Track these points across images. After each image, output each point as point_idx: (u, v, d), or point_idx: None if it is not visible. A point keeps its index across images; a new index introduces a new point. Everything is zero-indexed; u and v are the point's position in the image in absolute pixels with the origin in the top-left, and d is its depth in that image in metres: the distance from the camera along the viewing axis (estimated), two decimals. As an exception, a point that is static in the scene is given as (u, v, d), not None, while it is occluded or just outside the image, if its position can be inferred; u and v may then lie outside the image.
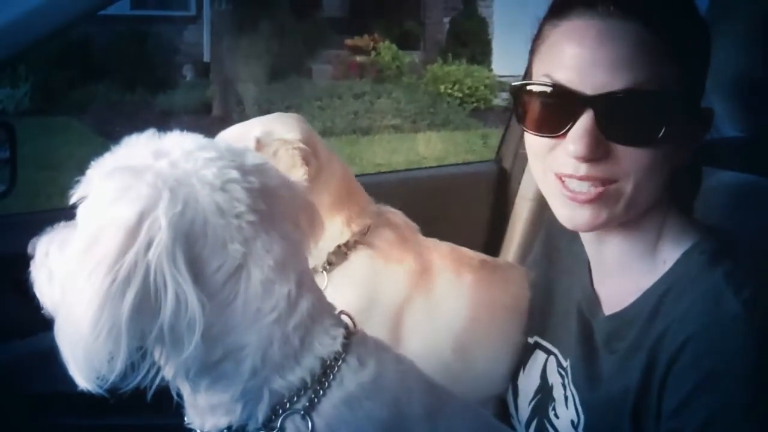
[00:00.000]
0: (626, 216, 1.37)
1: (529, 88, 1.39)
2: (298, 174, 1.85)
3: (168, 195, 1.16)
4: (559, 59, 1.33)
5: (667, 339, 1.30)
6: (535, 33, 1.43)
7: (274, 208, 1.27)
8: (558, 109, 1.33)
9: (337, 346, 1.29)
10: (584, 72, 1.29)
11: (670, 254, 1.41)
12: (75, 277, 1.13)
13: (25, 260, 1.28)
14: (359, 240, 1.94)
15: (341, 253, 1.92)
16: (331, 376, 1.26)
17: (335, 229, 1.93)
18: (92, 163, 1.26)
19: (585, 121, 1.29)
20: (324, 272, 1.91)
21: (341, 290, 1.86)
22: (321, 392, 1.25)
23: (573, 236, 1.57)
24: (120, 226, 1.12)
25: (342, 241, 1.93)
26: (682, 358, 1.26)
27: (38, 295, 1.26)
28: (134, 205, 1.14)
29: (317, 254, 1.90)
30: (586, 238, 1.52)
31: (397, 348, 1.81)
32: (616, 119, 1.28)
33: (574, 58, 1.31)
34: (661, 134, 1.28)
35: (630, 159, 1.30)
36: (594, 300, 1.53)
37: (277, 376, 1.23)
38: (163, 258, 1.12)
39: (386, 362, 1.36)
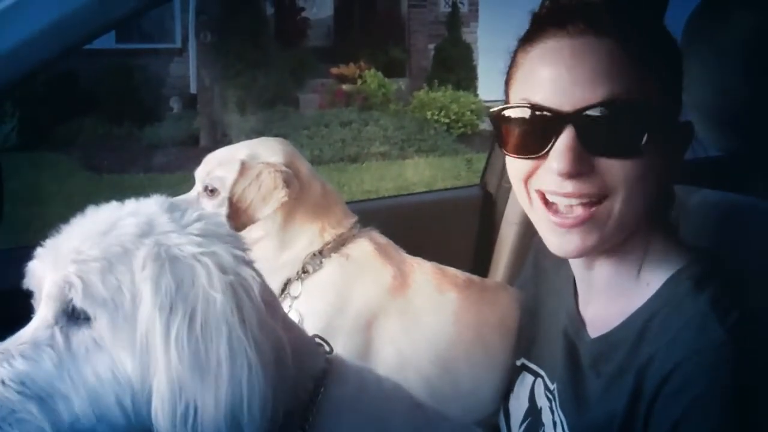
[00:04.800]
0: (616, 237, 1.38)
1: (508, 112, 1.41)
2: (279, 195, 1.92)
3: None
4: (536, 82, 1.35)
5: (655, 365, 1.30)
6: (509, 63, 1.45)
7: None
8: (538, 129, 1.34)
9: (323, 363, 1.34)
10: (561, 91, 1.31)
11: (653, 277, 1.41)
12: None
13: (13, 295, 1.27)
14: (335, 249, 1.99)
15: (316, 261, 1.98)
16: (319, 395, 1.29)
17: (307, 239, 2.01)
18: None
19: (566, 137, 1.30)
20: (299, 280, 1.95)
21: (312, 297, 1.92)
22: (313, 409, 1.28)
23: (560, 259, 1.58)
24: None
25: (314, 249, 2.00)
26: (670, 384, 1.26)
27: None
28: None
29: (292, 263, 1.96)
30: (575, 261, 1.53)
31: (366, 356, 1.85)
32: (597, 133, 1.30)
33: (550, 79, 1.33)
34: (643, 143, 1.30)
35: (615, 172, 1.31)
36: (579, 322, 1.54)
37: (282, 399, 1.23)
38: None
39: (367, 381, 1.40)
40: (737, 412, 1.23)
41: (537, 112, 1.34)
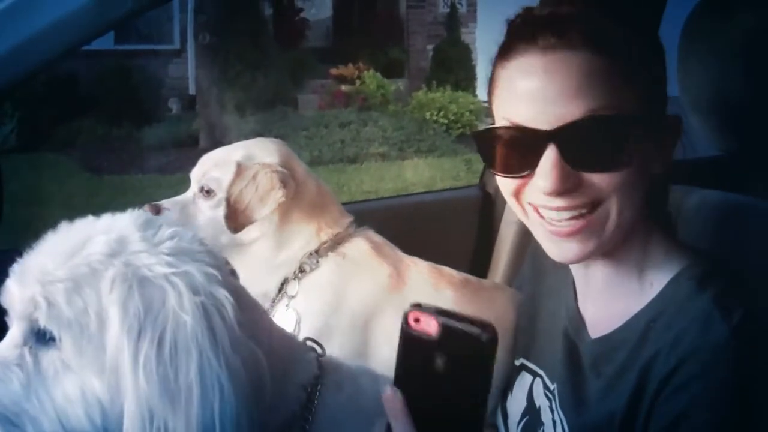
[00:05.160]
0: (615, 240, 1.37)
1: (489, 132, 1.40)
2: (276, 195, 1.92)
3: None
4: (513, 99, 1.34)
5: (657, 364, 1.30)
6: (489, 75, 1.43)
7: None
8: (521, 148, 1.33)
9: (314, 370, 1.32)
10: (538, 108, 1.29)
11: (657, 277, 1.41)
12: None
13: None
14: (331, 249, 2.00)
15: (313, 261, 1.98)
16: (315, 401, 1.28)
17: (304, 239, 2.01)
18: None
19: (549, 156, 1.29)
20: (296, 280, 1.96)
21: (309, 297, 1.92)
22: (309, 418, 1.26)
23: (559, 259, 1.58)
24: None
25: (310, 249, 2.00)
26: (672, 381, 1.26)
27: None
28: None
29: (289, 263, 1.95)
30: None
31: (363, 355, 1.85)
32: (580, 148, 1.28)
33: (525, 96, 1.31)
34: (625, 156, 1.29)
35: (604, 184, 1.30)
36: (579, 322, 1.54)
37: (270, 415, 1.22)
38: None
39: (363, 383, 1.38)
40: (740, 409, 1.23)
41: (518, 132, 1.33)
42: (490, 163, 1.41)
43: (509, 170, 1.37)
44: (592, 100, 1.27)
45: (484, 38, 14.64)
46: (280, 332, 1.36)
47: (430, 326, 1.02)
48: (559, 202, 1.32)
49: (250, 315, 1.25)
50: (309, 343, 1.40)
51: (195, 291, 1.14)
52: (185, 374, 1.09)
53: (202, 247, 1.24)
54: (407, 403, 1.06)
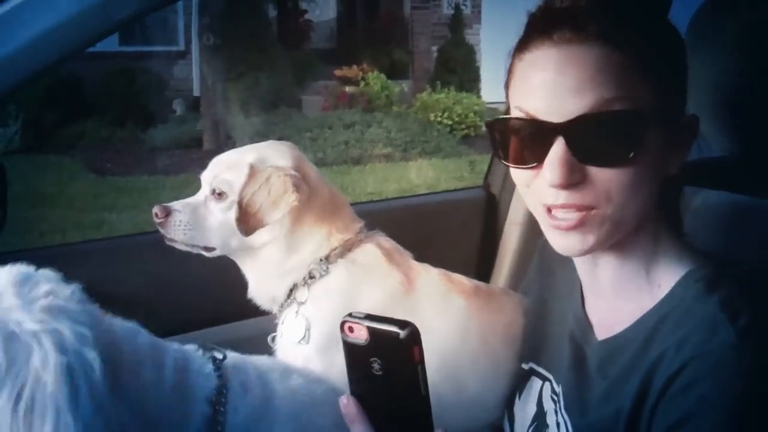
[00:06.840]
0: (615, 236, 1.37)
1: (502, 122, 1.41)
2: (289, 199, 1.91)
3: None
4: (526, 90, 1.34)
5: (663, 365, 1.29)
6: (507, 68, 1.43)
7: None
8: (531, 140, 1.34)
9: (214, 380, 1.32)
10: (549, 100, 1.29)
11: (665, 278, 1.40)
12: None
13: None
14: (341, 255, 1.99)
15: (322, 267, 1.98)
16: (223, 409, 1.28)
17: (315, 243, 2.00)
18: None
19: (557, 148, 1.29)
20: (305, 286, 1.96)
21: (319, 303, 1.91)
22: (219, 429, 1.27)
23: (565, 260, 1.57)
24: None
25: (321, 254, 1.99)
26: (677, 382, 1.26)
27: None
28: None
29: (299, 268, 1.94)
30: (579, 260, 1.52)
31: None
32: (588, 142, 1.28)
33: (538, 88, 1.31)
34: (633, 152, 1.28)
35: (607, 181, 1.30)
36: (586, 325, 1.53)
37: None
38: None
39: (271, 383, 1.39)
40: (743, 414, 1.23)
41: (528, 123, 1.33)
42: (500, 153, 1.42)
43: (519, 161, 1.37)
44: (602, 94, 1.27)
45: (488, 39, 14.65)
46: (174, 359, 1.33)
47: (361, 333, 1.13)
48: (563, 197, 1.32)
49: (130, 369, 1.23)
50: (208, 351, 1.39)
51: (62, 350, 1.12)
52: None
53: (80, 306, 1.21)
54: (363, 408, 1.16)
